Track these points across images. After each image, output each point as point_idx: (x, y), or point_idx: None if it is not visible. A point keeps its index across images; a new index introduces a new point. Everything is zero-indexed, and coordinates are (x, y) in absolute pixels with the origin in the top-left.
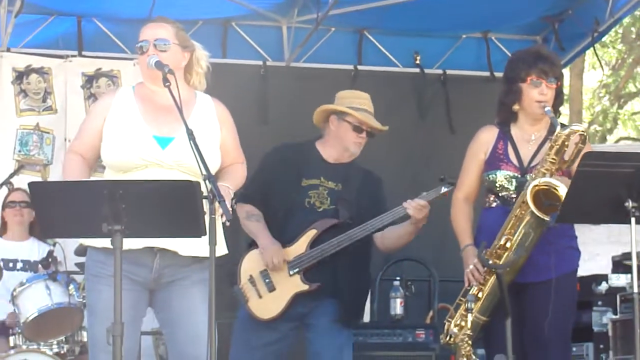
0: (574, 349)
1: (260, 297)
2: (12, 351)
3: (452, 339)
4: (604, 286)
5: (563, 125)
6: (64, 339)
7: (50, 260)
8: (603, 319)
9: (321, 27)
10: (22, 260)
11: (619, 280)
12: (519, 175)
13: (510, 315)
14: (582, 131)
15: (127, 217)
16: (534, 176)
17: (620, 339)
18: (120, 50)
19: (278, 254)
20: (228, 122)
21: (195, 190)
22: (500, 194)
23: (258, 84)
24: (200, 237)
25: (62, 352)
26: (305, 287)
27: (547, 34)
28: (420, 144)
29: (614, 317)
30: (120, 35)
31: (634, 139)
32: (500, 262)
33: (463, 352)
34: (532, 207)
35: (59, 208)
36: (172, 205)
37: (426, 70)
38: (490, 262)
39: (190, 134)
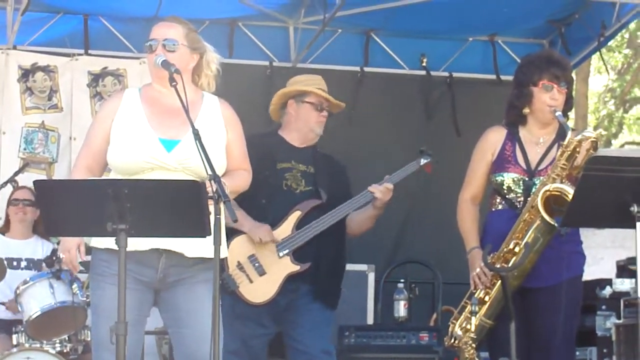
0: (578, 353)
1: (251, 281)
2: (15, 349)
3: (456, 342)
4: (607, 290)
5: (574, 131)
6: (67, 338)
7: (54, 258)
8: (607, 323)
9: (328, 28)
10: (26, 259)
11: (623, 284)
12: (527, 178)
13: (515, 320)
14: (594, 138)
15: (132, 217)
16: (544, 181)
17: (623, 344)
18: (127, 49)
19: (268, 232)
20: (235, 125)
21: (200, 190)
22: (507, 196)
23: (264, 85)
24: (205, 237)
25: (65, 350)
26: (297, 267)
27: (554, 38)
28: (426, 146)
29: (617, 321)
30: (126, 34)
31: (639, 144)
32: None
33: (467, 355)
34: (543, 213)
35: (64, 206)
36: (177, 205)
37: (432, 73)
38: (498, 265)
39: (197, 134)
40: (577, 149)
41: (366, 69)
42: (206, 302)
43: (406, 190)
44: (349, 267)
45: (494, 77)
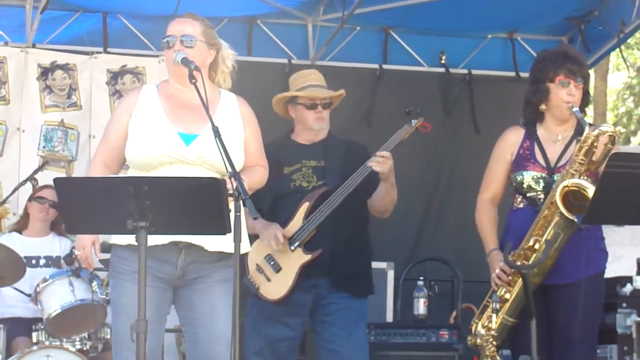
0: (598, 350)
1: (269, 280)
2: (35, 347)
3: (478, 340)
4: (628, 288)
5: (592, 126)
6: (86, 336)
7: (74, 256)
8: (627, 321)
9: (346, 25)
10: (45, 257)
11: None
12: (547, 176)
13: (537, 317)
14: (612, 132)
15: (152, 214)
16: (562, 177)
17: None
18: (146, 47)
19: (277, 229)
20: (252, 122)
21: (220, 187)
22: (527, 195)
23: (283, 82)
24: (225, 234)
25: (85, 348)
26: (308, 256)
27: (573, 35)
28: (445, 143)
29: (638, 319)
30: (145, 32)
31: None
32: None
33: (487, 353)
34: (562, 208)
35: (84, 204)
36: (197, 202)
37: (451, 70)
38: (519, 263)
39: (216, 131)
40: (595, 144)
41: (385, 67)
42: (222, 303)
43: (425, 188)
44: None
45: (513, 74)
